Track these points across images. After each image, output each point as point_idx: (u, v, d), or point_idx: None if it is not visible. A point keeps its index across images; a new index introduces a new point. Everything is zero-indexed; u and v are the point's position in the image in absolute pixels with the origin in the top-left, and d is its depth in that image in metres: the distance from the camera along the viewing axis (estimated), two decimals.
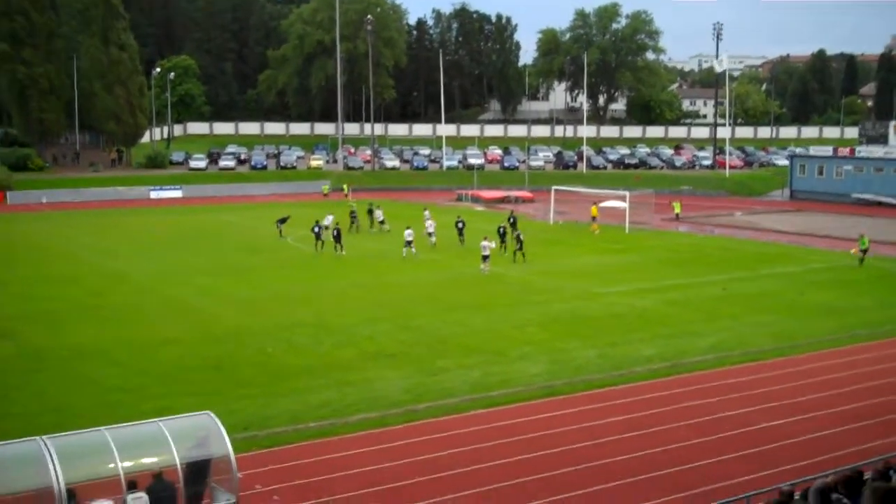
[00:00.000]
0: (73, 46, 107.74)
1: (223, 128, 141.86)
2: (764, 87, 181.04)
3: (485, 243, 46.62)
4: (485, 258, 46.28)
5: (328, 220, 55.28)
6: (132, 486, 15.52)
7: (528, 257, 49.35)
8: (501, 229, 54.34)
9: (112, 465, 15.73)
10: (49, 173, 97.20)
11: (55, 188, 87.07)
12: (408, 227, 51.46)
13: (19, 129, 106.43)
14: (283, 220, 59.52)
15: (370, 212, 63.50)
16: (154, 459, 16.70)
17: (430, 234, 55.43)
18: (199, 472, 16.68)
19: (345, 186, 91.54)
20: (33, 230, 63.11)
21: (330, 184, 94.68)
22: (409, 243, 50.62)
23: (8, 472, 15.58)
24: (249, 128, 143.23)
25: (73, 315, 35.85)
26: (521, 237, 50.40)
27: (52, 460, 15.26)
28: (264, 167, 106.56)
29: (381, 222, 62.63)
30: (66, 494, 14.70)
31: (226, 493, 16.52)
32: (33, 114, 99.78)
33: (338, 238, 52.45)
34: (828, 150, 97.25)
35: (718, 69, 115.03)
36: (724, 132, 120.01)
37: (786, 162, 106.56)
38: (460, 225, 56.35)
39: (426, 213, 59.07)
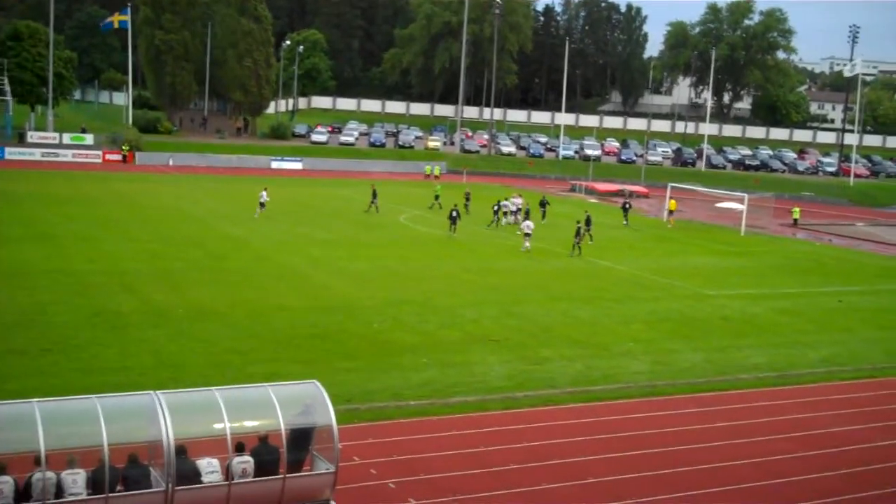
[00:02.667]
0: (209, 14, 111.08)
1: (346, 103, 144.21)
2: None
3: (530, 223, 50.26)
4: (526, 236, 49.17)
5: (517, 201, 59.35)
6: (240, 448, 15.99)
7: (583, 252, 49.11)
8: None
9: (220, 426, 16.17)
10: (176, 137, 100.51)
11: (182, 151, 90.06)
12: (526, 220, 51.84)
13: (152, 92, 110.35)
14: (375, 195, 60.62)
15: (467, 197, 63.31)
16: (260, 423, 17.20)
17: (510, 212, 58.83)
18: (302, 438, 17.08)
19: (437, 169, 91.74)
20: (160, 191, 65.45)
21: (445, 165, 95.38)
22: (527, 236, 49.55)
23: (121, 423, 16.12)
24: (371, 105, 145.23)
25: (194, 276, 37.15)
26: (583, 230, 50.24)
27: (164, 415, 15.80)
28: (383, 145, 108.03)
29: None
30: (176, 449, 15.19)
31: (326, 462, 16.89)
32: (166, 78, 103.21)
33: (454, 220, 53.03)
34: None
35: (848, 73, 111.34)
36: (851, 139, 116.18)
37: None
38: (543, 203, 60.71)
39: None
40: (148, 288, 34.41)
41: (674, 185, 71.36)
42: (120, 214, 52.95)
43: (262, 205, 55.04)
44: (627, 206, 64.83)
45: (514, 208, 59.32)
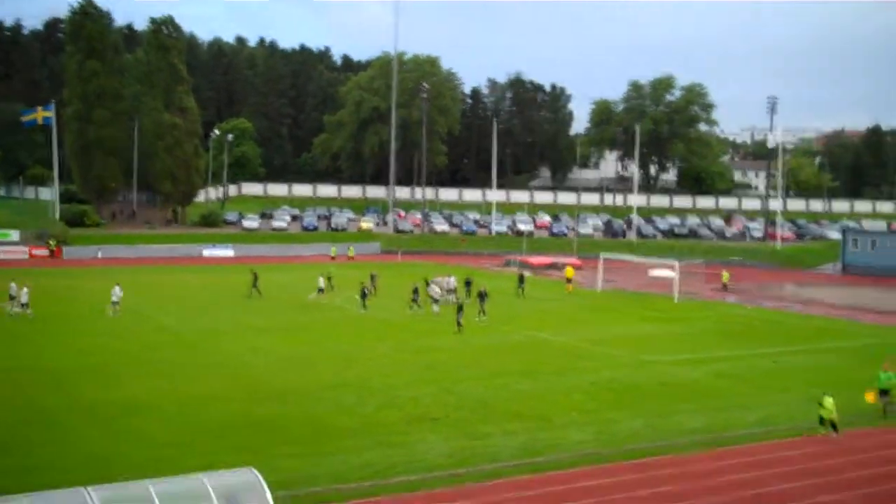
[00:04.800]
0: (136, 108, 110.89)
1: (277, 189, 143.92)
2: (818, 160, 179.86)
3: (435, 288, 55.55)
4: (434, 301, 54.19)
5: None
6: None
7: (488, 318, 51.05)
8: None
9: None
10: (105, 229, 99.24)
11: (110, 244, 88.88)
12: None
13: (78, 186, 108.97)
14: (255, 278, 60.25)
15: (372, 277, 61.69)
16: None
17: (434, 301, 55.12)
18: None
19: (350, 249, 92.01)
20: (88, 285, 64.15)
21: (379, 246, 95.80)
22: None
23: None
24: (302, 189, 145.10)
25: (126, 369, 36.36)
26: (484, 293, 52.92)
27: None
28: (315, 228, 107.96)
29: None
30: None
31: None
32: (94, 172, 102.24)
33: (364, 296, 54.80)
34: (881, 225, 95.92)
35: (771, 144, 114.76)
36: (775, 204, 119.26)
37: (838, 235, 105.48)
38: (468, 283, 61.13)
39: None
40: (78, 384, 33.57)
41: (606, 255, 72.34)
42: (47, 311, 51.64)
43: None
44: (522, 276, 65.76)
45: (448, 287, 58.61)
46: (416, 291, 55.05)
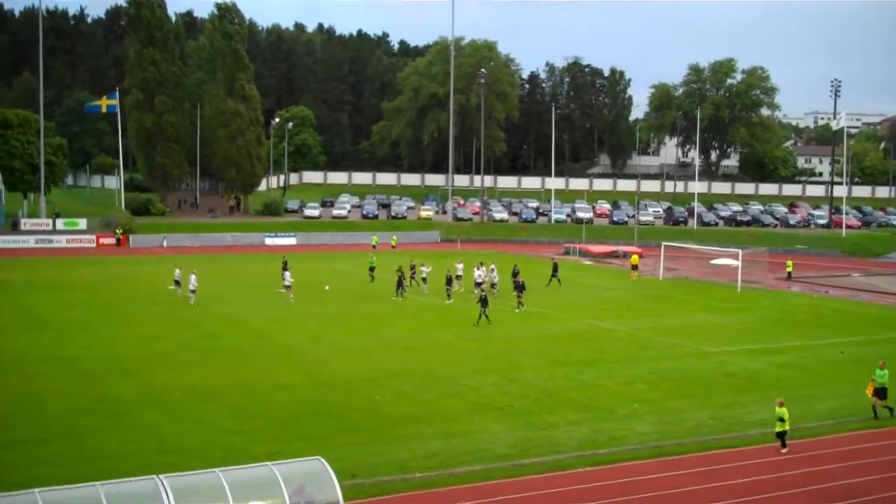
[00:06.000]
0: (198, 95, 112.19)
1: (337, 177, 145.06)
2: (882, 144, 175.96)
3: (478, 272, 56.48)
4: (477, 284, 55.27)
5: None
6: None
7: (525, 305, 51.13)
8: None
9: None
10: (169, 218, 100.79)
11: (175, 232, 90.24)
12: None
13: (143, 174, 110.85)
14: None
15: (412, 269, 60.84)
16: (265, 502, 17.06)
17: (477, 284, 56.11)
18: None
19: (393, 238, 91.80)
20: (154, 272, 65.25)
21: (438, 234, 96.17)
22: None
23: None
24: (362, 177, 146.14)
25: (192, 357, 36.94)
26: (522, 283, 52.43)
27: (169, 499, 15.70)
28: (375, 216, 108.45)
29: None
30: None
31: None
32: (157, 160, 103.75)
33: (400, 284, 54.82)
34: None
35: (835, 126, 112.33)
36: (840, 191, 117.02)
37: None
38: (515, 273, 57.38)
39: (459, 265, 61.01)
40: (146, 372, 34.18)
41: (667, 243, 71.68)
42: (115, 299, 52.79)
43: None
44: (556, 265, 63.87)
45: (492, 280, 56.87)
46: (449, 280, 54.53)
